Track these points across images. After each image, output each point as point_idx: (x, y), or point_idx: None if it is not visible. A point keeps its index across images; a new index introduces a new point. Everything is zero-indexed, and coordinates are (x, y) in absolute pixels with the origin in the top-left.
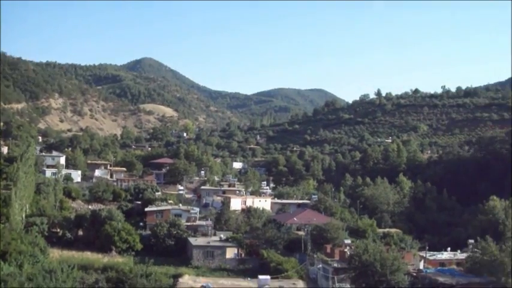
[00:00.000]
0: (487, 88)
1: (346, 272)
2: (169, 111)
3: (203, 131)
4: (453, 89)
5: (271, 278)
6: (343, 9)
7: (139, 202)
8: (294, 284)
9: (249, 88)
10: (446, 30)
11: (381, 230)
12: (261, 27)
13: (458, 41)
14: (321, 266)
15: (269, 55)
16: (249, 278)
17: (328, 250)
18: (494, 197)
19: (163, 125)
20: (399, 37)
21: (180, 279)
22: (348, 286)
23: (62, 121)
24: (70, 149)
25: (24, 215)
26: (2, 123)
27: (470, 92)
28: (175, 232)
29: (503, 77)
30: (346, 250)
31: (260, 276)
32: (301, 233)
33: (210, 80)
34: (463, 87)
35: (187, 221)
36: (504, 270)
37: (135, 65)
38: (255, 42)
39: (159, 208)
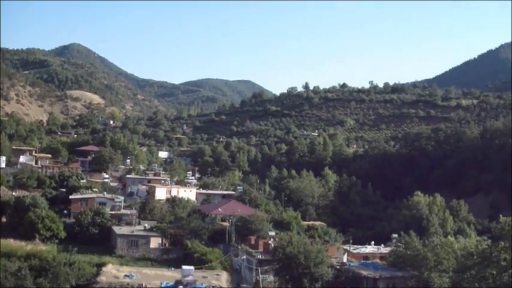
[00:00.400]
0: (414, 85)
1: (270, 264)
2: (96, 98)
3: (130, 119)
4: (381, 85)
5: (195, 269)
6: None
7: (64, 190)
8: (217, 275)
9: (176, 77)
10: (374, 26)
11: (305, 223)
12: (190, 16)
13: (387, 37)
14: (245, 257)
15: (198, 45)
16: (172, 268)
17: (253, 242)
18: (419, 193)
19: (90, 112)
20: (328, 30)
21: (104, 268)
22: (272, 278)
23: None
24: None
25: None
26: None
27: (397, 88)
28: (99, 221)
29: (431, 75)
30: (270, 242)
31: (184, 267)
32: (225, 224)
33: (138, 68)
34: (391, 84)
35: (111, 210)
36: (427, 265)
37: (63, 51)
38: (184, 31)
39: (84, 196)
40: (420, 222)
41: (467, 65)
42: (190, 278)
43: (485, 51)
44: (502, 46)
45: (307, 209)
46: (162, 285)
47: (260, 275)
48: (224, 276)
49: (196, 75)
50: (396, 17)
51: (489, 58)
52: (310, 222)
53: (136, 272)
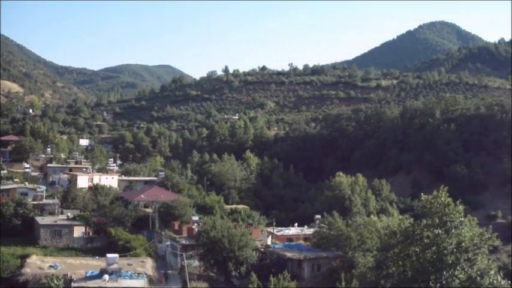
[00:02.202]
0: (334, 66)
1: (194, 249)
2: (15, 87)
3: (49, 107)
4: (300, 67)
5: (120, 256)
6: None
7: None
8: (142, 262)
9: (96, 64)
10: (293, 9)
11: (228, 207)
12: (107, 0)
13: (306, 20)
14: (169, 243)
15: (116, 30)
16: (97, 257)
17: (176, 227)
18: (341, 173)
19: (9, 101)
20: (247, 13)
21: (28, 260)
22: (197, 263)
23: None
24: None
25: None
26: None
27: (317, 70)
28: (21, 211)
29: (350, 56)
30: (194, 227)
31: (108, 255)
32: (148, 210)
33: (56, 55)
34: (311, 65)
35: (33, 200)
36: (350, 245)
37: None
38: (103, 16)
39: (5, 187)
40: (343, 202)
41: (387, 46)
42: (115, 266)
43: (404, 32)
44: (420, 27)
45: (229, 193)
46: (87, 275)
47: (185, 260)
48: (149, 263)
49: (115, 61)
50: (315, 0)
51: (408, 39)
52: (233, 206)
53: (60, 262)
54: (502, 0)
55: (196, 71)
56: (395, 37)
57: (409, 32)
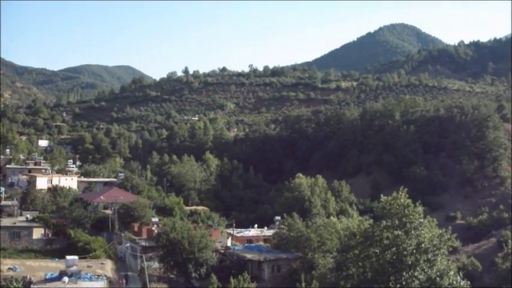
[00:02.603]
0: (294, 68)
1: (154, 251)
2: None
3: (8, 108)
4: (260, 68)
5: (79, 258)
6: None
7: None
8: (102, 263)
9: (56, 64)
10: (256, 9)
11: (188, 208)
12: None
13: (266, 21)
14: (128, 244)
15: (76, 30)
16: (56, 259)
17: (136, 229)
18: (300, 175)
19: None
20: (207, 14)
21: None
22: (157, 264)
23: None
24: None
25: None
26: None
27: (277, 72)
28: None
29: (311, 58)
30: (153, 228)
31: (68, 257)
32: (108, 211)
33: (16, 55)
34: (271, 67)
35: None
36: (310, 246)
37: None
38: (63, 16)
39: None
40: (303, 204)
41: (347, 47)
42: (74, 268)
43: (364, 33)
44: (381, 29)
45: (189, 194)
46: (47, 277)
47: (145, 262)
48: (109, 265)
49: (75, 61)
50: (275, 1)
51: (368, 41)
52: (193, 207)
53: (20, 265)
54: (462, 1)
55: (156, 71)
56: (355, 39)
57: (369, 34)
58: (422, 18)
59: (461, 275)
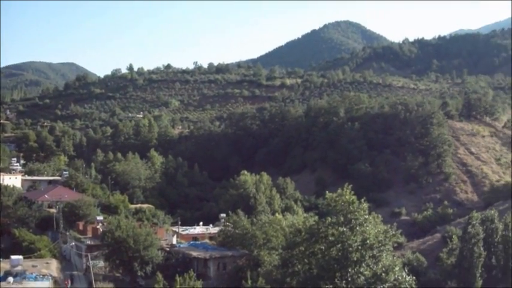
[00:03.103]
0: (238, 65)
1: (99, 249)
2: None
3: None
4: (205, 65)
5: (24, 258)
6: None
7: None
8: (47, 263)
9: None
10: (200, 5)
11: (133, 206)
12: None
13: (210, 18)
14: (73, 243)
15: (19, 26)
16: (1, 259)
17: (81, 227)
18: (245, 172)
19: None
20: (150, 10)
21: None
22: (102, 263)
23: None
24: None
25: None
26: None
27: (222, 69)
28: None
29: (255, 55)
30: (98, 227)
31: (12, 257)
32: (52, 210)
33: None
34: (215, 64)
35: None
36: (256, 243)
37: None
38: (3, 12)
39: None
40: (248, 201)
41: (292, 44)
42: (19, 268)
43: (309, 31)
44: (325, 26)
45: (134, 192)
46: None
47: (90, 261)
48: (54, 264)
49: (18, 58)
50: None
51: (313, 38)
52: (138, 205)
53: None
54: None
55: (100, 68)
56: (300, 36)
57: (314, 31)
58: (367, 16)
59: (406, 270)
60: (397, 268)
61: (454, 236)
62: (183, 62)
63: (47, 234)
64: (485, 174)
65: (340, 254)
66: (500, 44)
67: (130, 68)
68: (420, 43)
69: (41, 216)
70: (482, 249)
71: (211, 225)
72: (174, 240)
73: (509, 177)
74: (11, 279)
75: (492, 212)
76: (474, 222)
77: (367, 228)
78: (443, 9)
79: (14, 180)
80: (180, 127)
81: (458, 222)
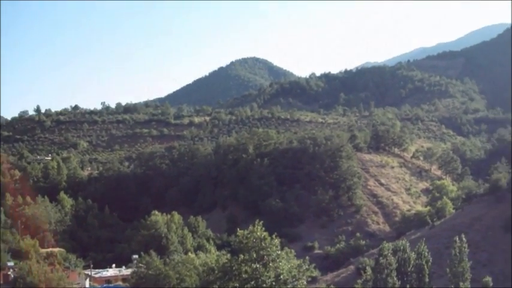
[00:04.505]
0: (146, 104)
1: None
2: None
3: None
4: (113, 105)
5: None
6: None
7: None
8: None
9: None
10: (106, 47)
11: (44, 250)
12: None
13: (118, 58)
14: None
15: None
16: None
17: None
18: (156, 212)
19: None
20: (57, 51)
21: None
22: None
23: None
24: None
25: None
26: None
27: (130, 108)
28: None
29: (163, 94)
30: (9, 273)
31: None
32: None
33: None
34: (123, 104)
35: None
36: (169, 283)
37: None
38: None
39: None
40: (160, 241)
41: (199, 82)
42: None
43: (216, 68)
44: (232, 63)
45: (45, 236)
46: None
47: None
48: None
49: None
50: (124, 39)
51: (220, 75)
52: (49, 249)
53: None
54: (311, 34)
55: (7, 111)
56: (207, 74)
57: (221, 69)
58: (274, 52)
59: None
60: None
61: (367, 267)
62: (90, 102)
63: None
64: (396, 205)
65: None
66: (406, 75)
67: (38, 110)
68: (327, 77)
69: None
70: (395, 279)
71: (124, 267)
72: (87, 284)
73: (420, 207)
74: None
75: (403, 241)
76: (386, 252)
77: (280, 263)
78: (349, 43)
79: None
80: (89, 168)
81: (371, 253)
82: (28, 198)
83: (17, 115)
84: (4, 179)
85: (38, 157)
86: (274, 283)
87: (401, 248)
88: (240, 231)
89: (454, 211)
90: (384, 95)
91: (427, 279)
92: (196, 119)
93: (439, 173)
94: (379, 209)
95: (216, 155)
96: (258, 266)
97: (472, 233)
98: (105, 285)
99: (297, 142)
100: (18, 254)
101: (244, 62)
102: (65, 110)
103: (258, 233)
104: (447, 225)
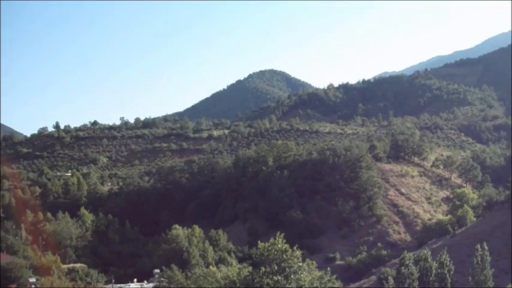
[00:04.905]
0: (165, 119)
1: None
2: None
3: None
4: (132, 121)
5: None
6: None
7: None
8: None
9: None
10: (123, 62)
11: (65, 266)
12: None
13: (134, 72)
14: None
15: None
16: None
17: None
18: (177, 226)
19: None
20: (70, 67)
21: None
22: None
23: None
24: None
25: None
26: None
27: (149, 123)
28: None
29: (181, 108)
30: None
31: None
32: None
33: None
34: (142, 119)
35: None
36: None
37: None
38: None
39: None
40: (181, 255)
41: (217, 96)
42: None
43: (234, 81)
44: (250, 76)
45: (66, 252)
46: None
47: None
48: None
49: None
50: (141, 52)
51: (238, 88)
52: (71, 265)
53: None
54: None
55: (26, 128)
56: (225, 87)
57: (239, 81)
58: (291, 64)
59: None
60: None
61: (389, 277)
62: (109, 117)
63: None
64: (416, 214)
65: None
66: (424, 84)
67: (57, 126)
68: (345, 88)
69: None
70: None
71: (145, 282)
72: None
73: (440, 215)
74: None
75: (425, 251)
76: (407, 262)
77: (302, 275)
78: (367, 54)
79: None
80: (109, 184)
81: (393, 263)
82: (49, 215)
83: (36, 132)
84: (24, 195)
85: (58, 173)
86: None
87: (423, 257)
88: (261, 244)
89: (475, 219)
90: (402, 104)
91: None
92: (215, 133)
93: (459, 181)
94: (400, 218)
95: (236, 168)
96: (279, 278)
97: (494, 240)
98: None
99: (316, 153)
100: (39, 270)
101: (261, 74)
102: (84, 125)
103: (279, 245)
104: (468, 234)
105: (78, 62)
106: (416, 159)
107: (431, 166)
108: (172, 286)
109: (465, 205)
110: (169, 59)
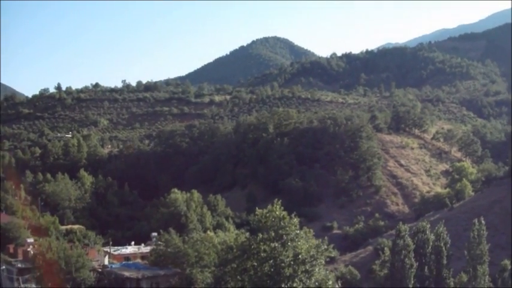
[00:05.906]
0: (167, 83)
1: (31, 272)
2: None
3: None
4: (134, 84)
5: None
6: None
7: None
8: None
9: None
10: (127, 24)
11: (63, 227)
12: None
13: (136, 35)
14: (4, 267)
15: None
16: None
17: (11, 250)
18: (175, 190)
19: None
20: (75, 28)
21: None
22: (34, 286)
23: None
24: None
25: None
26: None
27: (150, 87)
28: None
29: (184, 72)
30: (29, 249)
31: None
32: None
33: None
34: (144, 82)
35: None
36: (188, 261)
37: None
38: None
39: None
40: (179, 219)
41: (220, 61)
42: None
43: (237, 47)
44: (253, 42)
45: (64, 213)
46: None
47: (22, 284)
48: None
49: None
50: (145, 17)
51: (241, 54)
52: (69, 226)
53: None
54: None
55: (28, 88)
56: (228, 52)
57: (242, 48)
58: (295, 32)
59: (339, 283)
60: (330, 282)
61: (385, 248)
62: (111, 80)
63: None
64: (415, 186)
65: (272, 269)
66: (427, 56)
67: (59, 88)
68: (348, 57)
69: None
70: (413, 260)
71: (143, 245)
72: (106, 261)
73: (439, 188)
74: None
75: (424, 223)
76: (403, 233)
77: (299, 243)
78: (371, 24)
79: None
80: (109, 146)
81: (390, 234)
82: (48, 176)
83: (37, 93)
84: (24, 156)
85: (59, 135)
86: (292, 262)
87: (422, 229)
88: (259, 210)
89: (473, 193)
90: (404, 76)
91: (445, 261)
92: (217, 98)
93: (459, 155)
94: (399, 190)
95: (236, 134)
96: (276, 245)
97: (491, 215)
98: (124, 262)
99: (317, 122)
100: (38, 231)
101: (265, 41)
102: (86, 87)
103: (277, 212)
104: (466, 208)
105: (83, 25)
106: (416, 132)
107: (432, 139)
108: (169, 250)
109: (464, 179)
110: (173, 24)
